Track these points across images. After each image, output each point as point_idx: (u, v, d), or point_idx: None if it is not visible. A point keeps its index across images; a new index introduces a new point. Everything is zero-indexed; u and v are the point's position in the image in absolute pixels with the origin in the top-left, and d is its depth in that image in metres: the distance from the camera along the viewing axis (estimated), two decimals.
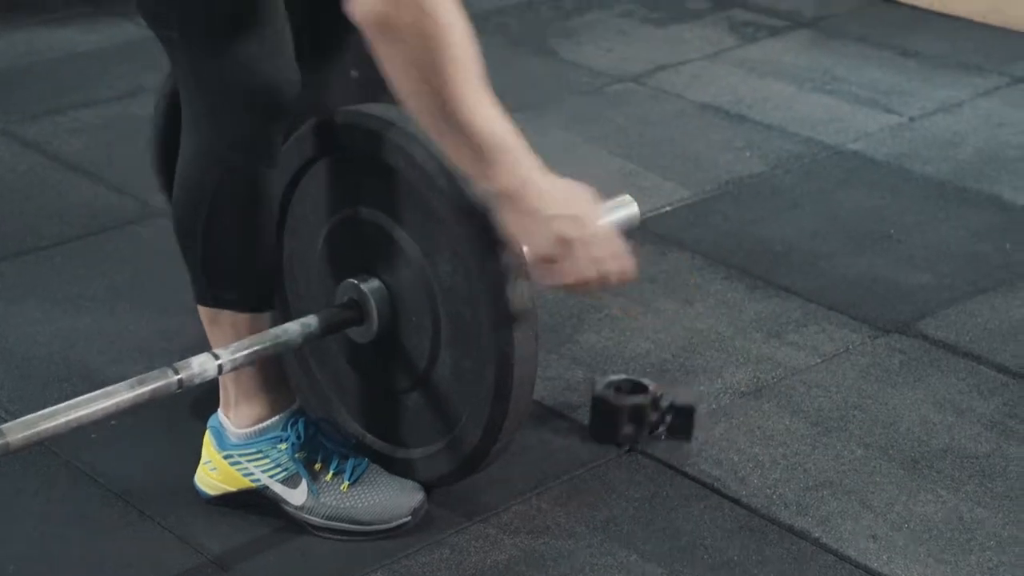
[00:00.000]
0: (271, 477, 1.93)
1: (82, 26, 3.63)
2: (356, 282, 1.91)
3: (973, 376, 2.28)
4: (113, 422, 2.11)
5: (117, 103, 3.22)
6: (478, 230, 1.77)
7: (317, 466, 1.93)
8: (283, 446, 1.93)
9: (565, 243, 1.71)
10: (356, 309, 1.91)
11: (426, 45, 1.63)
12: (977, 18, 3.63)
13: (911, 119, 3.16)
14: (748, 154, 3.01)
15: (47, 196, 2.82)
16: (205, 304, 1.93)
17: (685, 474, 2.04)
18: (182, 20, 1.80)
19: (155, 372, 1.78)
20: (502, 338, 1.79)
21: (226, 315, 1.91)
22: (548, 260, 1.73)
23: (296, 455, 1.92)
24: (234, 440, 1.95)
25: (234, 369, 1.83)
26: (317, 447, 1.94)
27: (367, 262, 1.91)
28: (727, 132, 3.09)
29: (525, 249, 1.76)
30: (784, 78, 3.37)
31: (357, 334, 1.94)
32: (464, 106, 1.66)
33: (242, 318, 1.91)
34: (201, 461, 1.98)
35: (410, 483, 1.94)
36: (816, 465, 2.07)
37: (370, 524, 1.91)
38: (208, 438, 1.98)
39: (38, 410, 1.72)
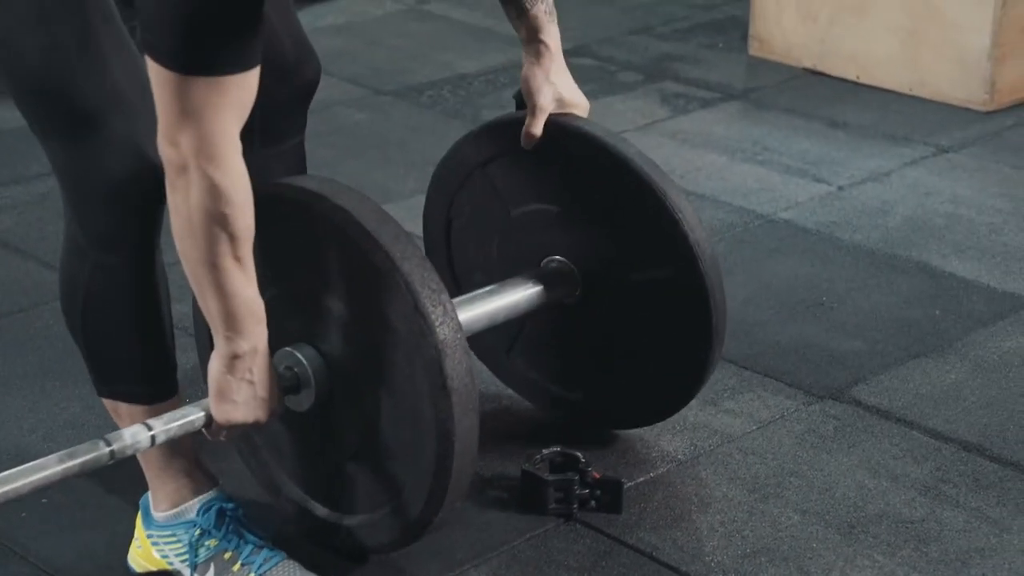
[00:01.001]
0: (182, 562, 1.91)
1: (8, 103, 3.60)
2: (292, 350, 1.90)
3: (906, 441, 2.30)
4: (44, 500, 2.08)
5: (47, 179, 3.20)
6: (413, 307, 1.77)
7: (227, 555, 1.90)
8: (196, 532, 1.90)
9: (224, 424, 1.80)
10: (292, 378, 1.90)
11: (205, 213, 1.67)
12: (903, 90, 3.71)
13: (840, 188, 3.21)
14: None
15: None
16: (100, 395, 1.92)
17: (623, 543, 2.04)
18: (39, 116, 1.80)
19: (86, 444, 1.75)
20: (441, 412, 1.79)
21: (123, 407, 1.90)
22: (211, 419, 1.80)
23: (207, 543, 1.90)
24: (155, 521, 1.92)
25: (168, 439, 1.80)
26: (230, 536, 1.91)
27: (305, 331, 1.91)
28: None
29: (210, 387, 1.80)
30: (716, 149, 3.41)
31: (294, 402, 1.93)
32: (228, 274, 1.71)
33: (138, 410, 1.89)
34: (133, 537, 1.96)
35: None
36: (753, 532, 2.07)
37: None
38: (139, 515, 1.95)
39: None
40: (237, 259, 1.71)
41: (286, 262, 1.91)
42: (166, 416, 1.81)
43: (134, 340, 1.88)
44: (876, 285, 2.79)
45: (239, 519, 1.93)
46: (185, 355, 2.48)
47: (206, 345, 2.04)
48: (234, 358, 1.76)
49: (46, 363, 2.48)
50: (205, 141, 1.62)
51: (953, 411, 2.38)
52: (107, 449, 1.74)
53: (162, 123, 1.64)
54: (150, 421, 1.78)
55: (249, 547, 1.91)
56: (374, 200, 1.86)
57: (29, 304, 2.67)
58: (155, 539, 1.92)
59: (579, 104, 2.13)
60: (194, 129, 1.62)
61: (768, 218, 3.07)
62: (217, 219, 1.67)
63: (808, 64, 3.86)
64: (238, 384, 1.77)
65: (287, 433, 2.00)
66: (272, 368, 1.82)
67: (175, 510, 1.92)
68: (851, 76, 3.79)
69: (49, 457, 1.73)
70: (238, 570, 1.89)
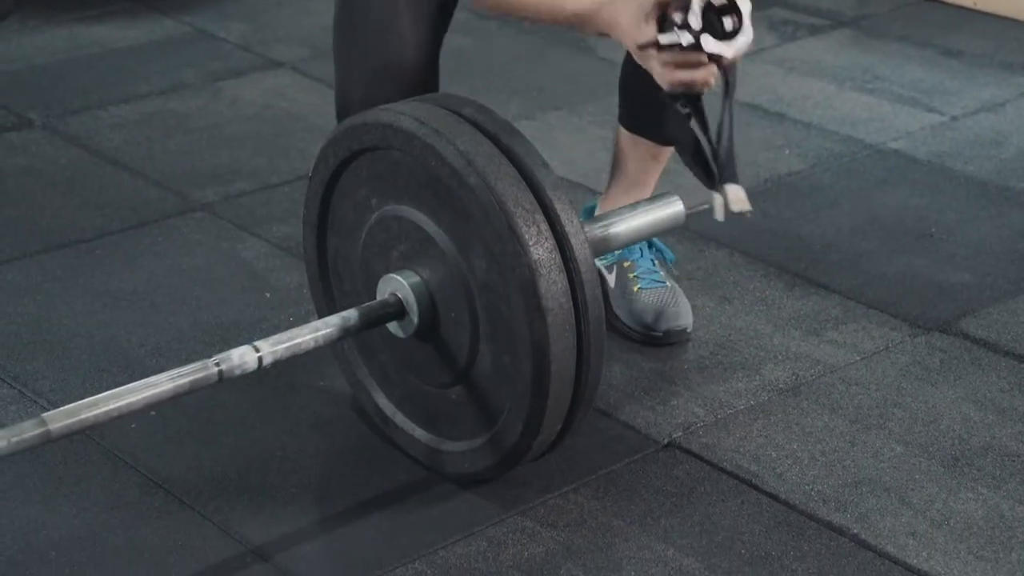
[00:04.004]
0: (600, 262, 2.29)
1: (121, 22, 3.65)
2: (395, 276, 1.92)
3: (1014, 375, 2.26)
4: (153, 412, 2.12)
5: (157, 98, 3.24)
6: (507, 227, 1.77)
7: (627, 264, 2.31)
8: None
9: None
10: (396, 304, 1.92)
11: None
12: (1022, 17, 3.60)
13: (953, 118, 3.14)
14: (787, 152, 3.00)
15: (88, 190, 2.84)
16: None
17: (723, 470, 2.04)
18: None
19: (196, 364, 1.79)
20: (536, 333, 1.79)
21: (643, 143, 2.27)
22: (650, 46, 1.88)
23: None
24: None
25: (275, 361, 1.84)
26: (634, 247, 2.31)
27: (406, 258, 1.92)
28: (766, 130, 3.09)
29: (634, 45, 1.88)
30: (824, 77, 3.36)
31: (397, 328, 1.94)
32: None
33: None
34: None
35: None
36: (855, 462, 2.06)
37: None
38: None
39: (79, 400, 1.74)
40: None
41: (387, 187, 1.92)
42: (272, 338, 1.84)
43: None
44: (987, 217, 2.74)
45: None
46: (289, 275, 2.52)
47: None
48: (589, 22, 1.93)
49: (155, 279, 2.52)
50: None
51: None
52: (216, 369, 1.79)
53: None
54: (257, 343, 1.83)
55: (647, 262, 2.30)
56: (474, 111, 1.85)
57: (138, 221, 2.72)
58: None
59: None
60: None
61: (877, 148, 3.01)
62: None
63: None
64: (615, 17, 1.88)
65: (391, 358, 2.02)
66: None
67: None
68: (968, 3, 3.69)
69: (161, 375, 1.77)
70: (631, 279, 2.30)
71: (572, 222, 1.81)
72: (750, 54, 3.48)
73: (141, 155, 2.98)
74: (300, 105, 3.19)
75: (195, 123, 3.11)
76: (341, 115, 2.14)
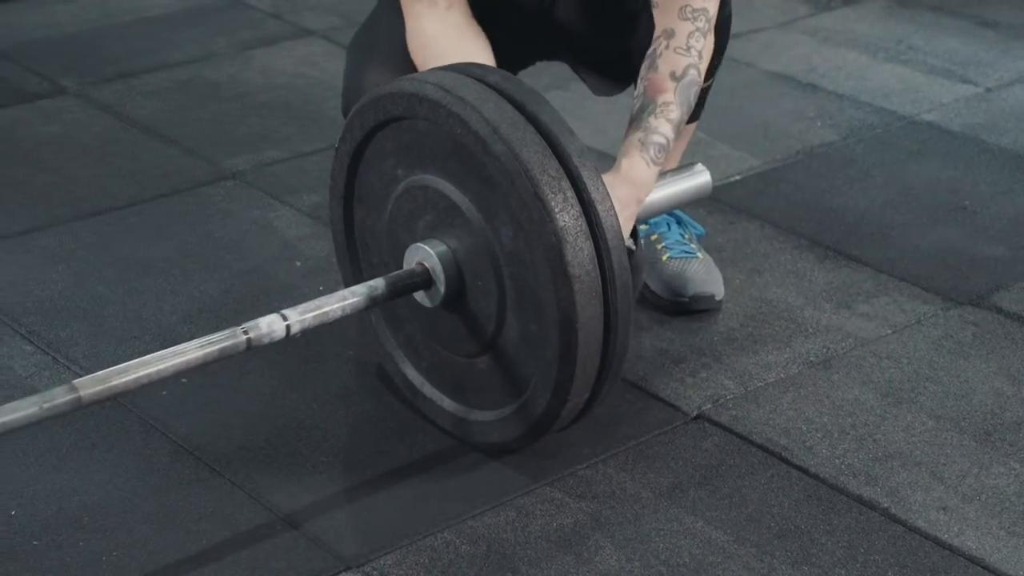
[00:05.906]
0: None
1: None
2: (422, 246, 1.92)
3: None
4: (184, 380, 2.13)
5: (189, 66, 3.25)
6: (533, 194, 1.77)
7: (654, 237, 2.35)
8: None
9: None
10: (423, 273, 1.92)
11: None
12: None
13: (988, 90, 3.12)
14: (820, 124, 2.98)
15: (121, 158, 2.85)
16: None
17: (752, 442, 2.03)
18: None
19: (225, 332, 1.80)
20: (563, 300, 1.79)
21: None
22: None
23: (639, 226, 2.14)
24: None
25: (303, 330, 1.84)
26: (661, 221, 2.35)
27: (433, 227, 1.92)
28: (799, 101, 3.07)
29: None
30: (858, 47, 3.33)
31: (424, 298, 1.94)
32: None
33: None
34: None
35: None
36: (886, 436, 2.05)
37: None
38: None
39: (111, 367, 1.75)
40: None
41: (413, 157, 1.92)
42: (301, 307, 1.86)
43: None
44: (1022, 190, 2.71)
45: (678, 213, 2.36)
46: (319, 244, 2.52)
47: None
48: None
49: (187, 248, 2.53)
50: None
51: None
52: (244, 337, 1.80)
53: None
54: (285, 312, 1.84)
55: (676, 235, 2.33)
56: (500, 78, 1.85)
57: (171, 189, 2.73)
58: None
59: None
60: None
61: (910, 119, 2.99)
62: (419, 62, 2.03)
63: None
64: None
65: (418, 329, 2.02)
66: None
67: None
68: None
69: (190, 343, 1.78)
70: (660, 249, 2.33)
71: (598, 189, 1.80)
72: (784, 23, 3.46)
73: (173, 123, 2.98)
74: (331, 74, 3.19)
75: (227, 91, 3.12)
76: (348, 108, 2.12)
